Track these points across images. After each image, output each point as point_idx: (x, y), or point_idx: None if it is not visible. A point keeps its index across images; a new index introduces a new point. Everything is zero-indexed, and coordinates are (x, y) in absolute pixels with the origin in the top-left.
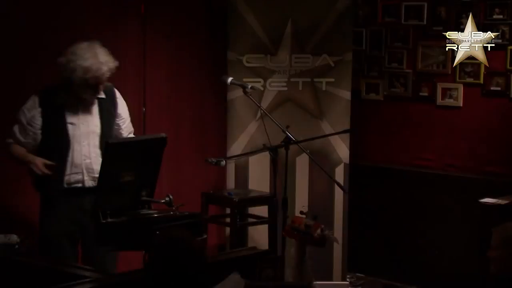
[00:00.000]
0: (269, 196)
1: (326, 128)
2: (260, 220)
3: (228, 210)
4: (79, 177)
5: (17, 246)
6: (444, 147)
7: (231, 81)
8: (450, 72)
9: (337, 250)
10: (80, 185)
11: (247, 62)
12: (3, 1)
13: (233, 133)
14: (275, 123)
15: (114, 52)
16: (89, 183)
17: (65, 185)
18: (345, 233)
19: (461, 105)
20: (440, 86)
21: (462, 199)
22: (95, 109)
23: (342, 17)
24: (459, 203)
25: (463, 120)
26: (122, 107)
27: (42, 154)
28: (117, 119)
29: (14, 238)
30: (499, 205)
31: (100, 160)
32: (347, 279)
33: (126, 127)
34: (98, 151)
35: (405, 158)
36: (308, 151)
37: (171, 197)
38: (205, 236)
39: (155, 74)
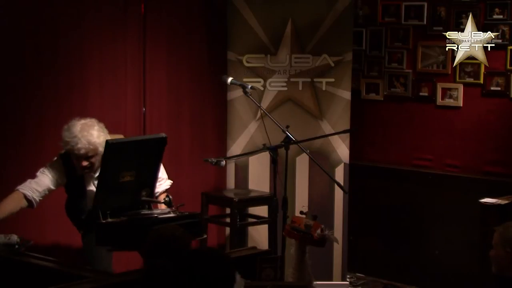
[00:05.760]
0: (269, 196)
1: (326, 128)
2: (260, 220)
3: (228, 210)
4: None
5: (17, 246)
6: (444, 147)
7: (231, 81)
8: (450, 72)
9: (337, 250)
10: None
11: (247, 62)
12: (2, 3)
13: (233, 133)
14: (275, 123)
15: (114, 52)
16: None
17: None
18: (345, 233)
19: (461, 105)
20: (440, 86)
21: (462, 199)
22: None
23: (342, 17)
24: (459, 203)
25: (463, 120)
26: None
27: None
28: None
29: (14, 238)
30: (499, 205)
31: None
32: (347, 279)
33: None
34: None
35: (405, 158)
36: (308, 151)
37: (171, 197)
38: (205, 236)
39: (155, 74)
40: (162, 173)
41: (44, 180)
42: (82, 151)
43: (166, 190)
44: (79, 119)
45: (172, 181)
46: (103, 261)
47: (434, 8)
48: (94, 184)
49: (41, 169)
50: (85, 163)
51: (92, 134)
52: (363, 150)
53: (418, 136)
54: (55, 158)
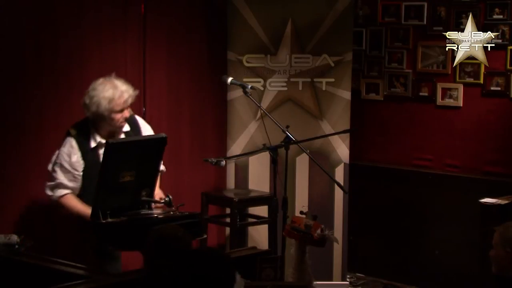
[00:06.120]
0: (269, 196)
1: (326, 128)
2: (260, 220)
3: (228, 210)
4: None
5: (17, 246)
6: (444, 147)
7: (231, 81)
8: (450, 72)
9: (337, 250)
10: None
11: (247, 62)
12: (2, 3)
13: (233, 133)
14: (275, 123)
15: (114, 52)
16: None
17: None
18: (345, 233)
19: (461, 105)
20: (440, 86)
21: (462, 199)
22: None
23: (342, 17)
24: (459, 203)
25: (463, 120)
26: (147, 133)
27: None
28: None
29: (14, 238)
30: (499, 205)
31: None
32: (347, 279)
33: None
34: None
35: (405, 158)
36: (308, 151)
37: (171, 197)
38: (205, 236)
39: (155, 74)
40: None
41: (72, 174)
42: (130, 99)
43: (160, 171)
44: (95, 82)
45: (165, 167)
46: (117, 261)
47: (434, 8)
48: None
49: (61, 164)
50: (128, 113)
51: (120, 84)
52: (363, 150)
53: (418, 136)
54: (67, 143)
